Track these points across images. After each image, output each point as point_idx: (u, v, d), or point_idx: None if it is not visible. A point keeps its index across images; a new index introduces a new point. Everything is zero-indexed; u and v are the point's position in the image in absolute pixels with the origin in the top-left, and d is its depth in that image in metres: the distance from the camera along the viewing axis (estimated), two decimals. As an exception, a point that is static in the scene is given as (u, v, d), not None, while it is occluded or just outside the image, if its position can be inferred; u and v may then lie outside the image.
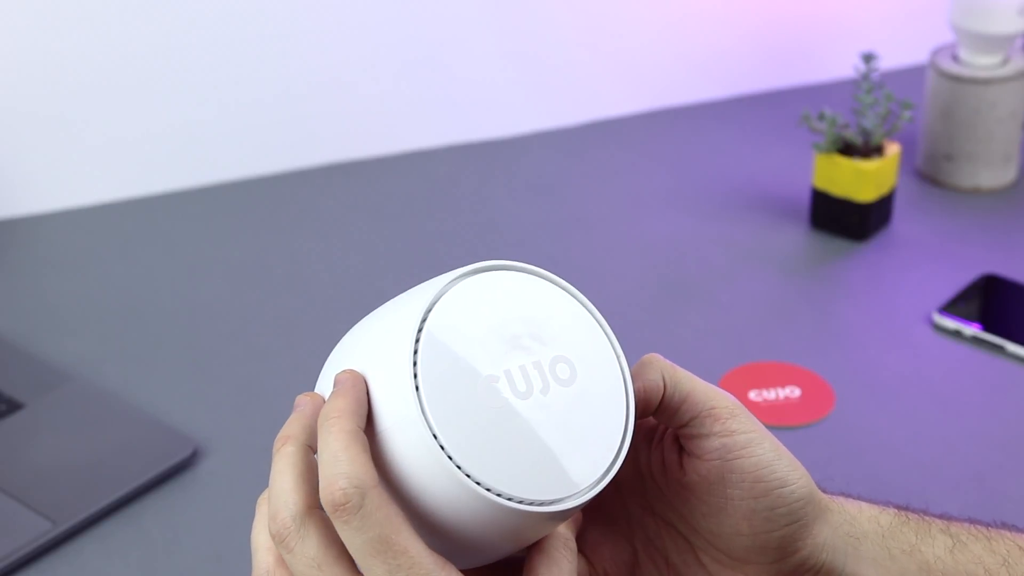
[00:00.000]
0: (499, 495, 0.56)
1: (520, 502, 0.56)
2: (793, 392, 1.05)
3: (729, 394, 0.64)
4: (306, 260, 1.22)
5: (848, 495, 0.68)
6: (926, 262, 1.20)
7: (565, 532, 0.61)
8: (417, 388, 0.56)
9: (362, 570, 0.56)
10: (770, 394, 1.05)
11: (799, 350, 1.10)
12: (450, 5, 1.34)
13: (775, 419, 1.02)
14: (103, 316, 1.15)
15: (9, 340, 1.11)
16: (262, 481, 0.97)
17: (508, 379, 0.58)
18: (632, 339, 1.11)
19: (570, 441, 0.58)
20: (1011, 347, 1.09)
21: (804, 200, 1.28)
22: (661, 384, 0.63)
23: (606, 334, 0.61)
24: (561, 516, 0.58)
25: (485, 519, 0.57)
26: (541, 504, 0.57)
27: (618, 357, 0.61)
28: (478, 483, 0.56)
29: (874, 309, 1.15)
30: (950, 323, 1.11)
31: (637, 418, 0.62)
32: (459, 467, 0.56)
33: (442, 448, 0.56)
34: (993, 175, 1.30)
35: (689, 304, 1.15)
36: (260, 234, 1.25)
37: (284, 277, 1.19)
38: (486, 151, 1.37)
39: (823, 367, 1.08)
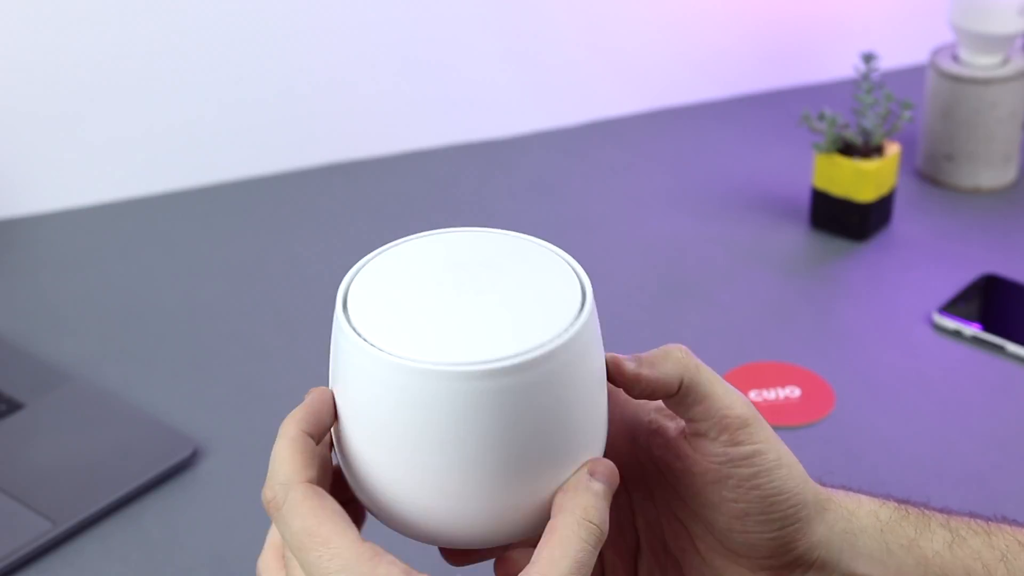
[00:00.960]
0: (414, 360, 0.56)
1: (439, 364, 0.56)
2: (793, 392, 1.05)
3: (745, 400, 0.64)
4: (306, 260, 1.22)
5: (848, 489, 0.68)
6: (926, 262, 1.20)
7: (591, 506, 0.59)
8: (346, 304, 0.59)
9: (298, 562, 0.58)
10: (770, 394, 1.05)
11: (799, 350, 1.10)
12: (450, 5, 1.34)
13: (775, 419, 1.02)
14: (103, 316, 1.15)
15: (9, 340, 1.11)
16: (261, 481, 0.98)
17: (438, 284, 0.60)
18: (632, 339, 1.11)
19: (506, 319, 0.58)
20: (1011, 347, 1.09)
21: (804, 200, 1.28)
22: (676, 385, 0.62)
23: (557, 255, 0.62)
24: (488, 379, 0.56)
25: (427, 400, 0.56)
26: (460, 364, 0.56)
27: (574, 269, 0.61)
28: (391, 354, 0.57)
29: (874, 309, 1.15)
30: (950, 323, 1.11)
31: (643, 399, 0.62)
32: (373, 344, 0.57)
33: (356, 332, 0.58)
34: (993, 175, 1.30)
35: (689, 304, 1.16)
36: (260, 234, 1.25)
37: (284, 277, 1.19)
38: (486, 151, 1.37)
39: (823, 367, 1.08)
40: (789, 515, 0.64)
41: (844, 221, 1.23)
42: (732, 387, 0.64)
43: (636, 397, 0.63)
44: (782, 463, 0.64)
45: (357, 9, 1.31)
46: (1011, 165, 1.31)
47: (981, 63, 1.28)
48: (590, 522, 0.58)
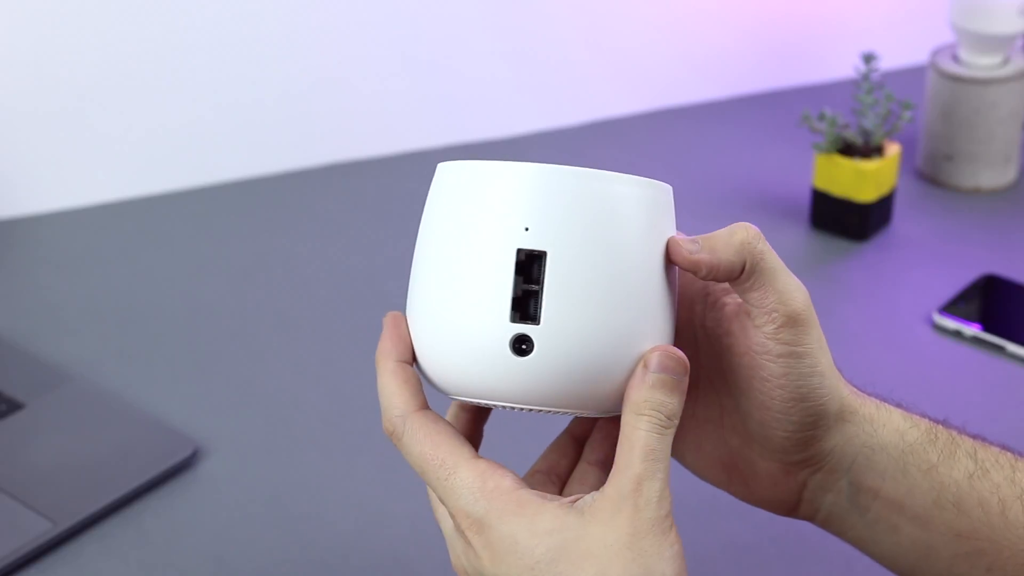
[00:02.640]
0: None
1: None
2: (793, 392, 1.05)
3: (804, 298, 0.64)
4: (306, 260, 1.22)
5: (885, 401, 0.68)
6: (926, 262, 1.20)
7: (646, 399, 0.60)
8: None
9: (425, 481, 0.62)
10: (770, 394, 1.05)
11: (799, 350, 1.10)
12: (450, 5, 1.34)
13: (775, 419, 1.02)
14: (103, 316, 1.15)
15: (9, 340, 1.11)
16: (262, 481, 0.98)
17: None
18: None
19: None
20: (1011, 347, 1.09)
21: (804, 200, 1.28)
22: (739, 269, 0.63)
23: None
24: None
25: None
26: None
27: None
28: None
29: (874, 309, 1.15)
30: (950, 323, 1.11)
31: (707, 280, 0.64)
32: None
33: None
34: (993, 175, 1.30)
35: (689, 304, 1.15)
36: (260, 234, 1.25)
37: (284, 277, 1.19)
38: (486, 151, 1.37)
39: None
40: (807, 422, 0.65)
41: (844, 221, 1.23)
42: (796, 280, 0.64)
43: (703, 278, 0.64)
44: (816, 371, 0.64)
45: (357, 9, 1.31)
46: (1011, 165, 1.31)
47: (981, 63, 1.28)
48: (646, 415, 0.60)
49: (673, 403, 0.60)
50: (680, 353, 0.61)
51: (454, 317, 0.60)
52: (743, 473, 0.68)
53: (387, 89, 1.35)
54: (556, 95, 1.40)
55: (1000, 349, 1.10)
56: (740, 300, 0.65)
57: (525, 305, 0.60)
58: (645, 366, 0.61)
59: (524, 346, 0.60)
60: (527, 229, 0.59)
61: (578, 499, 0.60)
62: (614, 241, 0.60)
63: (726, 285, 0.66)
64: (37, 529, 0.92)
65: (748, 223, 0.64)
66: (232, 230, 1.26)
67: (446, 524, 0.64)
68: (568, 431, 0.69)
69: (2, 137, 1.24)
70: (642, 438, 0.59)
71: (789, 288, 0.64)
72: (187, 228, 1.26)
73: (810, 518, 0.69)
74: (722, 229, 0.64)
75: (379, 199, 1.30)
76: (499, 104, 1.39)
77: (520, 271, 0.60)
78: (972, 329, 1.11)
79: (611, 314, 0.60)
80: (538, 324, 0.59)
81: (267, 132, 1.32)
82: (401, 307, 0.66)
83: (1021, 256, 1.21)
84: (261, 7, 1.28)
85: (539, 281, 0.59)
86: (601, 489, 0.60)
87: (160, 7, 1.25)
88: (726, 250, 0.63)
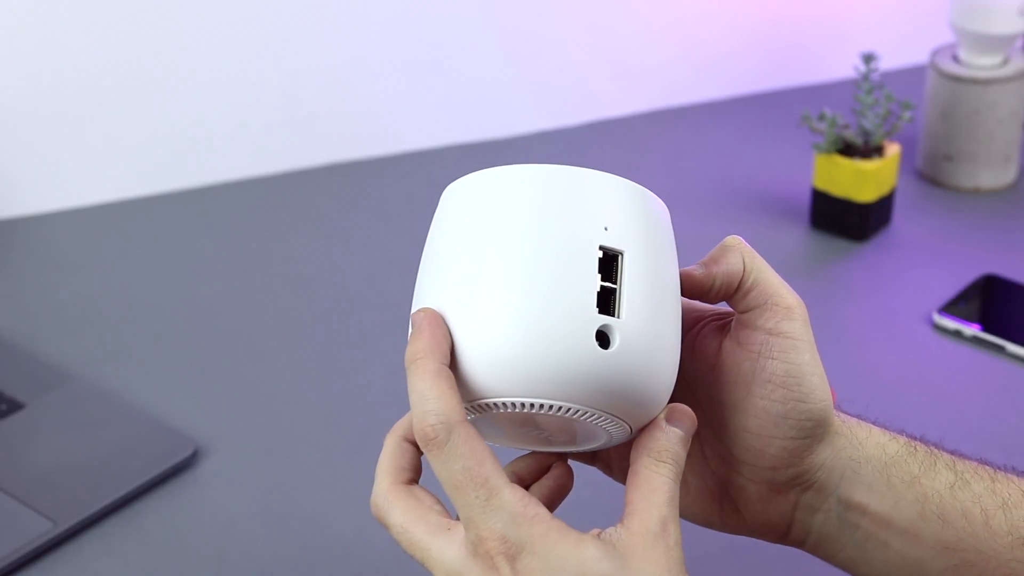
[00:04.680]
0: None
1: None
2: (793, 392, 1.05)
3: (796, 296, 0.66)
4: (306, 260, 1.22)
5: (863, 419, 0.69)
6: (926, 262, 1.20)
7: (666, 448, 0.62)
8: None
9: (451, 500, 0.59)
10: (770, 394, 1.05)
11: (799, 350, 1.10)
12: (450, 5, 1.34)
13: (775, 419, 1.02)
14: (103, 316, 1.15)
15: (9, 340, 1.11)
16: (262, 481, 0.98)
17: None
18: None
19: None
20: (1011, 347, 1.09)
21: (804, 200, 1.28)
22: (741, 267, 0.65)
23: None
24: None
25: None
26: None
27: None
28: None
29: (874, 309, 1.15)
30: (950, 323, 1.12)
31: (719, 299, 0.65)
32: None
33: None
34: (993, 175, 1.30)
35: (689, 304, 1.16)
36: (260, 234, 1.25)
37: (284, 277, 1.19)
38: (486, 151, 1.37)
39: (823, 367, 1.08)
40: (806, 426, 0.65)
41: (844, 221, 1.23)
42: (782, 280, 0.66)
43: (713, 301, 0.65)
44: (816, 373, 0.65)
45: (357, 9, 1.31)
46: (1011, 165, 1.31)
47: (981, 63, 1.28)
48: (668, 463, 0.61)
49: (684, 457, 0.63)
50: (692, 412, 0.63)
51: (534, 311, 0.60)
52: (733, 499, 0.69)
53: (387, 89, 1.35)
54: (556, 95, 1.41)
55: (1000, 349, 1.10)
56: (729, 328, 0.67)
57: (605, 300, 0.61)
58: (667, 420, 0.63)
59: (605, 340, 0.61)
60: (606, 228, 0.61)
61: (601, 533, 0.60)
62: (663, 251, 0.63)
63: (715, 321, 0.68)
64: (37, 529, 0.92)
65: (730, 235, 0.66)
66: (232, 230, 1.26)
67: (453, 550, 0.61)
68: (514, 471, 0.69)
69: (2, 137, 1.25)
70: (666, 484, 0.61)
71: (780, 284, 0.66)
72: (187, 228, 1.26)
73: (800, 542, 0.69)
74: (712, 250, 0.67)
75: (379, 199, 1.30)
76: (499, 104, 1.39)
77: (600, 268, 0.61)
78: (972, 329, 1.11)
79: (667, 316, 0.62)
80: (619, 318, 0.60)
81: (267, 132, 1.32)
82: (401, 306, 0.66)
83: (1021, 256, 1.21)
84: (262, 7, 1.28)
85: (616, 279, 0.61)
86: (626, 526, 0.60)
87: (160, 8, 1.25)
88: (726, 257, 0.65)
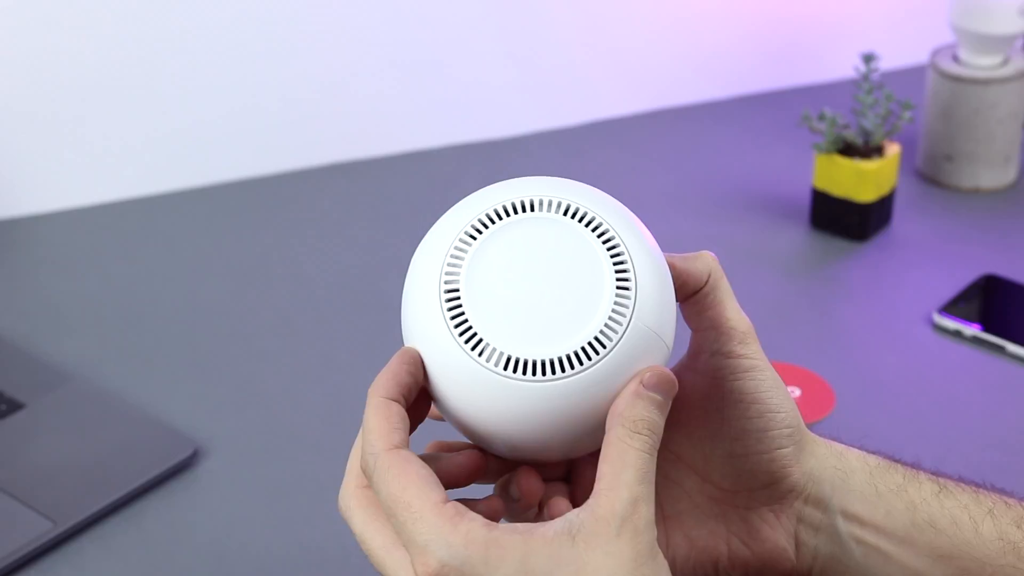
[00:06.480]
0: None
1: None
2: (793, 392, 1.05)
3: (750, 324, 0.67)
4: (306, 260, 1.22)
5: (836, 439, 0.70)
6: (926, 262, 1.20)
7: (640, 417, 0.60)
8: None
9: (391, 524, 0.60)
10: (770, 394, 1.05)
11: (799, 350, 1.10)
12: (450, 6, 1.34)
13: (775, 419, 1.02)
14: (103, 316, 1.15)
15: (9, 340, 1.11)
16: (262, 481, 0.98)
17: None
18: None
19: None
20: (1011, 347, 1.09)
21: (804, 200, 1.28)
22: (706, 275, 0.66)
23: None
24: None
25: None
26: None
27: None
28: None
29: (874, 309, 1.15)
30: (950, 323, 1.12)
31: (676, 286, 0.65)
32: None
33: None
34: (993, 175, 1.30)
35: (689, 304, 1.15)
36: (260, 234, 1.25)
37: (284, 277, 1.19)
38: (486, 151, 1.37)
39: (823, 367, 1.08)
40: (784, 435, 0.66)
41: (844, 221, 1.23)
42: (738, 307, 0.67)
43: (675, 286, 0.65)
44: (779, 387, 0.66)
45: (357, 11, 1.31)
46: (1011, 165, 1.31)
47: (981, 63, 1.28)
48: (643, 434, 0.59)
49: (662, 425, 0.61)
50: (672, 375, 0.61)
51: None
52: (738, 535, 0.68)
53: (387, 90, 1.35)
54: (556, 95, 1.40)
55: (1000, 349, 1.10)
56: (686, 363, 0.68)
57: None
58: (642, 383, 0.60)
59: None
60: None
61: (562, 520, 0.58)
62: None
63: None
64: (37, 529, 0.92)
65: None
66: (232, 230, 1.26)
67: (404, 574, 0.60)
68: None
69: (2, 137, 1.25)
70: (639, 458, 0.59)
71: (739, 311, 0.67)
72: (187, 228, 1.26)
73: (807, 569, 0.69)
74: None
75: (379, 199, 1.30)
76: (499, 104, 1.39)
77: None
78: (972, 329, 1.11)
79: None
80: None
81: (267, 133, 1.32)
82: (400, 306, 0.66)
83: (1021, 256, 1.21)
84: (262, 8, 1.28)
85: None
86: (590, 509, 0.58)
87: (160, 9, 1.25)
88: (695, 261, 0.66)
